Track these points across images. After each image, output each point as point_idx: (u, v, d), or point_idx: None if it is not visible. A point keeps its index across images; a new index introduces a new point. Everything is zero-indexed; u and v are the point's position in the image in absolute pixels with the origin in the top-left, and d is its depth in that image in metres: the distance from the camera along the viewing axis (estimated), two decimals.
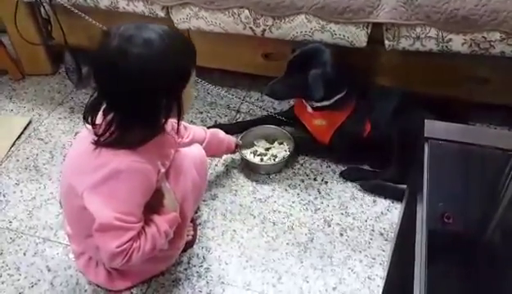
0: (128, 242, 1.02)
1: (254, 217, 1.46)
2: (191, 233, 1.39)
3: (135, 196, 1.05)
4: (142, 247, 1.05)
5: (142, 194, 1.06)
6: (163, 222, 1.11)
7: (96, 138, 1.03)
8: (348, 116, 1.51)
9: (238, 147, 1.59)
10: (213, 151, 1.47)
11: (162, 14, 1.65)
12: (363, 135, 1.50)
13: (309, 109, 1.56)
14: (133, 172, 1.03)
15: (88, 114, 1.04)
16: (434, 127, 0.95)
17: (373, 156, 1.58)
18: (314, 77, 1.43)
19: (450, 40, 1.41)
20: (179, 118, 1.07)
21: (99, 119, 1.04)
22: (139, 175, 1.04)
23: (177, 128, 1.11)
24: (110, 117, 1.02)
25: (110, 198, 1.03)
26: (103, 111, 1.04)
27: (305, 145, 1.65)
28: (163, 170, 1.11)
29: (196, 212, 1.47)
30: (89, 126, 1.04)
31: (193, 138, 1.39)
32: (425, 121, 0.96)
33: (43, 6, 1.81)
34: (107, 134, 1.02)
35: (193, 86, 1.10)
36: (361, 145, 1.54)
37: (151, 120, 1.04)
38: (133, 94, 0.98)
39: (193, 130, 1.41)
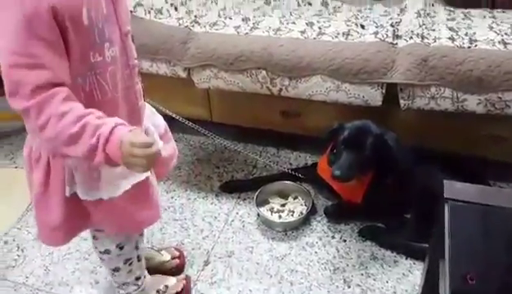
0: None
1: (271, 276, 1.43)
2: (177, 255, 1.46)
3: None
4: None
5: (27, 32, 0.78)
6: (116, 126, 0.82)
7: None
8: (376, 171, 1.51)
9: None
10: None
11: (183, 75, 1.72)
12: (393, 189, 1.50)
13: None
14: None
15: None
16: (454, 188, 0.95)
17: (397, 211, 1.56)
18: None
19: (465, 100, 1.43)
20: None
21: None
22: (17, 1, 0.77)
23: None
24: None
25: None
26: None
27: (336, 211, 1.63)
28: (84, 18, 0.83)
29: (212, 270, 1.46)
30: None
31: None
32: (445, 182, 0.96)
33: None
34: None
35: None
36: (393, 200, 1.52)
37: None
38: None
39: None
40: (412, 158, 1.49)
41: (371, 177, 1.50)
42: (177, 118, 1.61)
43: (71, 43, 0.82)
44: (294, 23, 1.68)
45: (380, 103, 1.53)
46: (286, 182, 1.72)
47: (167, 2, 1.78)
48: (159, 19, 1.72)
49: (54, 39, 0.80)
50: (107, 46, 0.88)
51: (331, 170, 1.45)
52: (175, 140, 1.26)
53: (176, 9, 1.77)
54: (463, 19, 1.63)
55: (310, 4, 1.84)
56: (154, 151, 0.83)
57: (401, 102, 1.51)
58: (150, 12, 1.73)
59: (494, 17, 1.65)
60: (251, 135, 1.99)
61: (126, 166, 0.84)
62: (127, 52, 0.95)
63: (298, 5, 1.85)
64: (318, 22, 1.67)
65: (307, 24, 1.67)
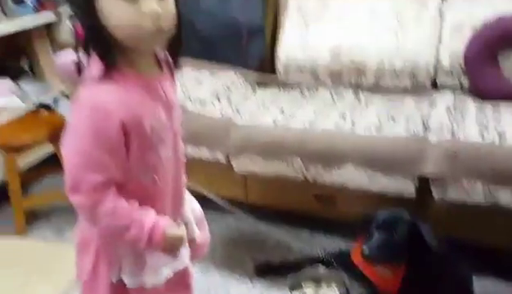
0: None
1: None
2: None
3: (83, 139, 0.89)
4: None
5: (95, 141, 0.88)
6: (158, 220, 0.96)
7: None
8: (409, 262, 1.51)
9: None
10: None
11: (223, 160, 1.84)
12: (428, 280, 1.48)
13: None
14: (87, 107, 0.89)
15: None
16: (483, 286, 0.96)
17: None
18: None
19: (497, 194, 1.45)
20: (103, 45, 0.89)
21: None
22: (92, 114, 0.88)
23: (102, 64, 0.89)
24: None
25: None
26: None
27: None
28: (147, 128, 0.93)
29: None
30: None
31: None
32: (474, 278, 0.97)
33: None
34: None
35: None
36: (427, 291, 1.50)
37: (88, 40, 0.91)
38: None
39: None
40: (446, 249, 1.49)
41: (405, 268, 1.50)
42: (215, 199, 1.70)
43: (132, 148, 0.93)
44: (327, 115, 1.80)
45: (413, 194, 1.57)
46: (320, 267, 1.72)
47: (211, 95, 1.96)
48: (204, 110, 1.88)
49: (118, 148, 0.91)
50: (162, 148, 0.98)
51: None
52: (212, 220, 1.33)
53: (219, 100, 1.94)
54: (492, 113, 1.69)
55: (343, 97, 1.97)
56: (184, 244, 1.03)
57: (434, 194, 1.54)
58: (195, 104, 1.90)
59: None
60: (286, 217, 2.03)
61: (162, 251, 0.99)
62: (176, 150, 1.06)
63: (332, 98, 1.98)
64: (351, 114, 1.78)
65: (340, 116, 1.78)
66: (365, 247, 1.46)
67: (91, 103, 0.88)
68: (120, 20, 0.86)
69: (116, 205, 0.92)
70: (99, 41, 0.89)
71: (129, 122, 0.89)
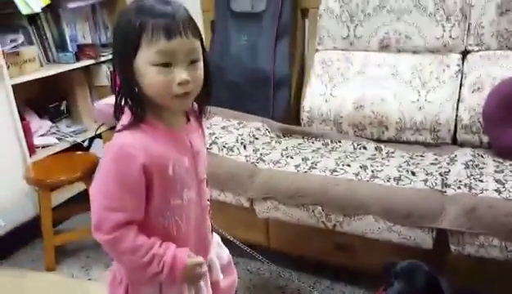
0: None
1: None
2: None
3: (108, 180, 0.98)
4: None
5: (117, 182, 0.97)
6: (176, 253, 1.01)
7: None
8: None
9: None
10: None
11: (247, 205, 1.91)
12: None
13: None
14: (112, 152, 0.98)
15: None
16: None
17: None
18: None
19: None
20: (134, 100, 0.98)
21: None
22: (116, 157, 0.97)
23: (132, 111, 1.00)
24: None
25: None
26: None
27: None
28: (170, 171, 1.00)
29: None
30: None
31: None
32: None
33: None
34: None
35: (160, 72, 0.96)
36: None
37: (121, 95, 1.01)
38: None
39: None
40: None
41: None
42: (237, 243, 1.75)
43: (155, 190, 1.00)
44: (349, 165, 1.86)
45: (431, 246, 1.59)
46: None
47: (237, 142, 2.06)
48: (230, 155, 1.98)
49: (140, 190, 0.98)
50: (185, 191, 1.05)
51: None
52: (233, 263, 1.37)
53: (245, 147, 2.04)
54: (511, 171, 1.72)
55: (365, 148, 2.04)
56: (205, 270, 1.08)
57: (452, 247, 1.56)
58: (222, 149, 2.00)
59: None
60: (307, 263, 2.05)
61: (185, 282, 1.04)
62: (201, 195, 1.13)
63: (354, 148, 2.05)
64: (371, 166, 1.84)
65: (361, 167, 1.84)
66: None
67: (117, 147, 0.98)
68: (152, 80, 0.96)
69: (136, 242, 0.99)
70: (131, 95, 0.99)
71: (151, 165, 0.97)
